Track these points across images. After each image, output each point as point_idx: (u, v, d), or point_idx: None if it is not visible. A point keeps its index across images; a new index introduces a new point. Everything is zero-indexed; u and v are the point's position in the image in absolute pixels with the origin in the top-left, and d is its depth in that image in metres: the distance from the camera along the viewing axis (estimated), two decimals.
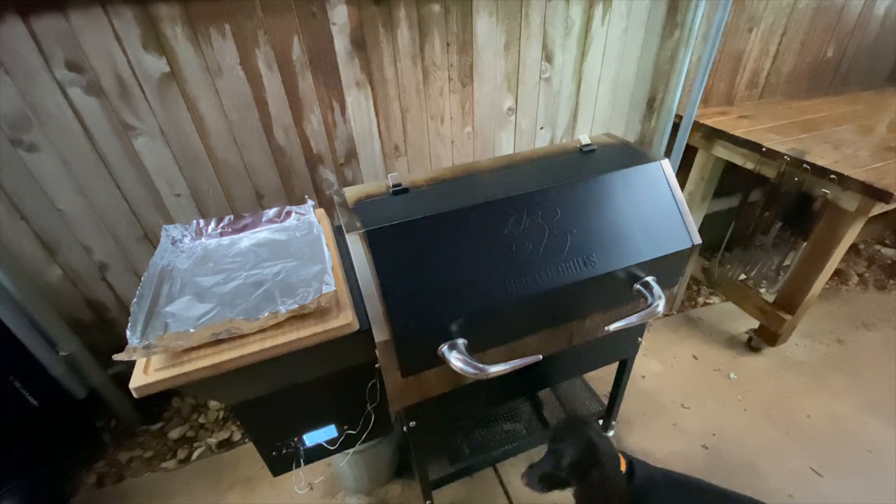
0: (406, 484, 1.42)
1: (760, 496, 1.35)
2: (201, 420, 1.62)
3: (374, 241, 0.77)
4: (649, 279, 0.91)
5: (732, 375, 1.73)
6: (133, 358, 0.68)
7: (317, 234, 0.95)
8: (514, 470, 1.44)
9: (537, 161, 1.02)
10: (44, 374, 1.34)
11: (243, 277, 0.86)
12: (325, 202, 1.47)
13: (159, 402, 1.67)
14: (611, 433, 1.47)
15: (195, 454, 1.52)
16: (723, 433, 1.53)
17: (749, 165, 1.60)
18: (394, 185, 0.90)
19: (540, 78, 1.51)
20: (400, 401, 0.89)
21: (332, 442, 0.99)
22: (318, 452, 1.00)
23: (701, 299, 2.09)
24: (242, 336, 0.73)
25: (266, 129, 1.29)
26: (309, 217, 1.02)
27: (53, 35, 1.02)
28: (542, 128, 1.62)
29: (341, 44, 1.24)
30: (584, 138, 1.05)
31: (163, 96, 1.16)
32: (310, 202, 1.04)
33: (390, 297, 0.76)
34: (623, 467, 0.95)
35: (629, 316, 0.88)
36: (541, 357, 0.80)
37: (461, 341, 0.80)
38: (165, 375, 0.68)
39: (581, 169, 0.95)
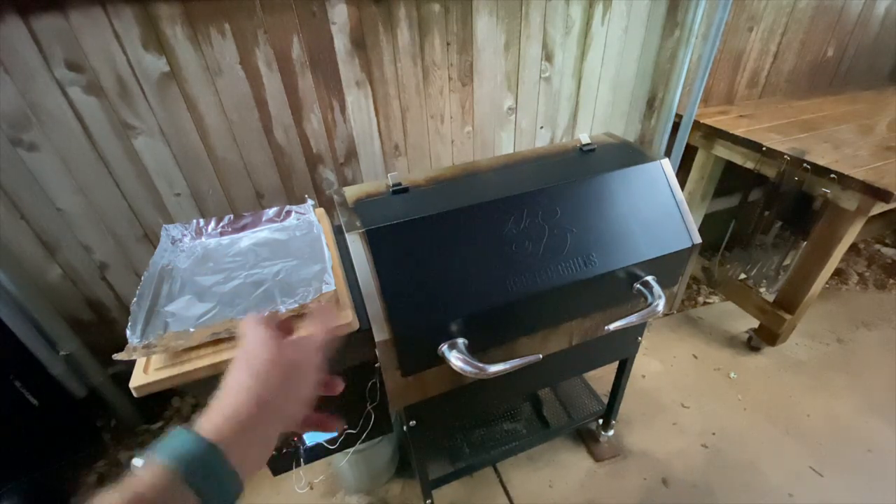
0: (406, 483, 1.42)
1: (760, 495, 1.37)
2: None
3: (374, 240, 0.77)
4: (649, 278, 0.91)
5: (732, 375, 1.73)
6: (133, 357, 0.68)
7: (317, 234, 0.95)
8: (513, 469, 1.45)
9: (537, 160, 1.02)
10: (44, 374, 1.34)
11: (243, 277, 0.86)
12: (325, 201, 1.47)
13: (159, 401, 1.67)
14: (610, 433, 1.47)
15: None
16: (723, 432, 1.54)
17: (749, 165, 1.60)
18: (394, 185, 0.90)
19: (540, 77, 1.51)
20: (400, 400, 0.89)
21: (332, 441, 0.99)
22: (318, 452, 1.00)
23: (701, 299, 2.09)
24: None
25: (266, 128, 1.29)
26: (309, 216, 1.02)
27: (53, 34, 1.02)
28: (542, 127, 1.62)
29: (341, 43, 1.24)
30: (584, 137, 1.05)
31: (162, 96, 1.16)
32: (310, 201, 1.04)
33: (390, 296, 0.76)
34: None
35: (629, 315, 0.88)
36: (541, 356, 0.80)
37: (461, 341, 0.80)
38: (165, 375, 0.68)
39: (581, 168, 0.95)
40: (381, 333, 0.76)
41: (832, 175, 1.35)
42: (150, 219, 1.32)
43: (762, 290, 1.82)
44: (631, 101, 1.70)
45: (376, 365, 0.85)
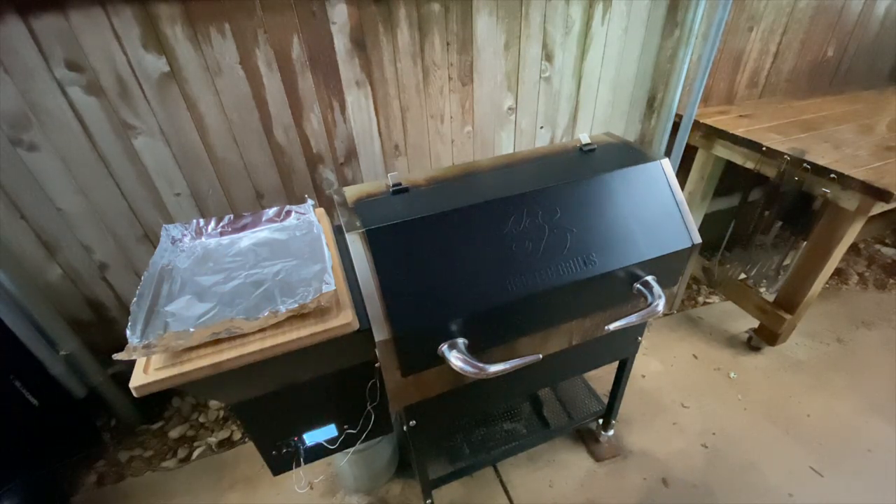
0: (406, 483, 1.42)
1: (760, 495, 1.37)
2: (201, 419, 1.62)
3: (374, 240, 0.77)
4: (649, 278, 0.91)
5: (732, 375, 1.73)
6: (133, 357, 0.68)
7: (317, 234, 0.95)
8: (513, 469, 1.44)
9: (537, 160, 1.02)
10: (44, 374, 1.34)
11: (243, 277, 0.86)
12: (325, 201, 1.47)
13: (159, 401, 1.67)
14: (610, 433, 1.47)
15: (195, 453, 1.52)
16: (723, 432, 1.53)
17: (749, 165, 1.60)
18: (394, 185, 0.90)
19: (540, 77, 1.51)
20: (400, 400, 0.89)
21: (332, 441, 0.99)
22: (318, 452, 1.00)
23: (701, 298, 2.09)
24: (242, 335, 0.73)
25: (266, 128, 1.29)
26: (309, 216, 1.02)
27: (53, 34, 1.02)
28: (542, 127, 1.62)
29: (341, 43, 1.24)
30: (584, 137, 1.05)
31: (162, 96, 1.16)
32: (310, 201, 1.04)
33: (390, 296, 0.76)
34: None
35: (629, 315, 0.88)
36: (541, 356, 0.80)
37: (461, 341, 0.80)
38: (165, 375, 0.68)
39: (581, 168, 0.95)
40: (381, 333, 0.76)
41: (832, 175, 1.34)
42: (150, 219, 1.32)
43: (762, 289, 1.82)
44: (631, 101, 1.70)
45: (376, 365, 0.85)
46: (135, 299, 0.77)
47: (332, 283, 0.78)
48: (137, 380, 0.68)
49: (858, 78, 2.06)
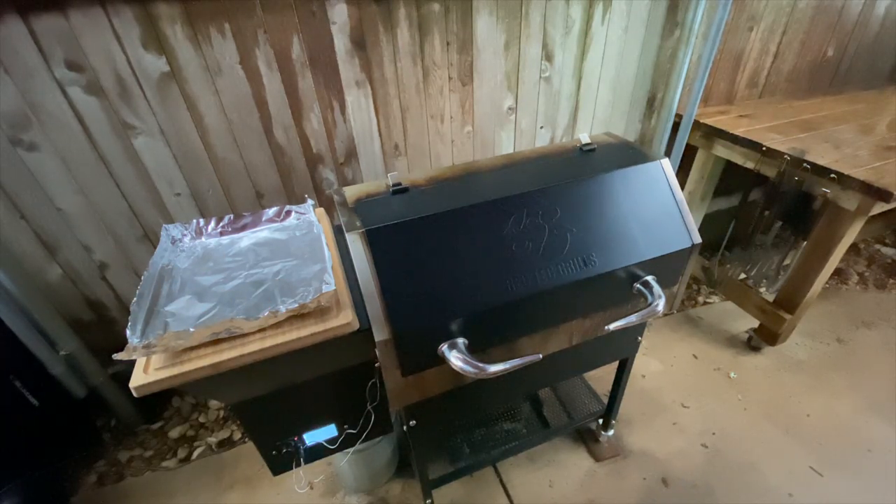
0: (406, 483, 1.42)
1: (760, 495, 1.37)
2: (201, 419, 1.62)
3: (374, 240, 0.77)
4: (649, 278, 0.91)
5: (732, 375, 1.73)
6: (133, 357, 0.68)
7: (317, 234, 0.95)
8: (513, 469, 1.44)
9: (537, 160, 1.02)
10: (44, 374, 1.34)
11: (243, 277, 0.86)
12: (325, 201, 1.47)
13: (159, 401, 1.67)
14: (610, 433, 1.47)
15: (195, 453, 1.52)
16: (723, 432, 1.53)
17: (749, 165, 1.60)
18: (394, 185, 0.90)
19: (540, 77, 1.51)
20: (400, 400, 0.89)
21: (332, 441, 0.99)
22: (318, 452, 1.00)
23: (701, 298, 2.09)
24: (242, 335, 0.73)
25: (266, 128, 1.29)
26: (309, 216, 1.02)
27: (53, 34, 1.02)
28: (542, 127, 1.62)
29: (341, 43, 1.24)
30: (584, 137, 1.05)
31: (162, 96, 1.16)
32: (310, 201, 1.04)
33: (390, 296, 0.76)
34: None
35: (629, 315, 0.88)
36: (541, 356, 0.80)
37: (461, 340, 0.80)
38: (165, 375, 0.68)
39: (581, 168, 0.95)
40: (381, 333, 0.76)
41: (832, 175, 1.34)
42: (150, 219, 1.32)
43: (762, 289, 1.82)
44: (631, 101, 1.70)
45: (376, 365, 0.85)
46: (135, 299, 0.77)
47: (332, 282, 0.78)
48: (137, 380, 0.68)
49: (858, 78, 2.06)
